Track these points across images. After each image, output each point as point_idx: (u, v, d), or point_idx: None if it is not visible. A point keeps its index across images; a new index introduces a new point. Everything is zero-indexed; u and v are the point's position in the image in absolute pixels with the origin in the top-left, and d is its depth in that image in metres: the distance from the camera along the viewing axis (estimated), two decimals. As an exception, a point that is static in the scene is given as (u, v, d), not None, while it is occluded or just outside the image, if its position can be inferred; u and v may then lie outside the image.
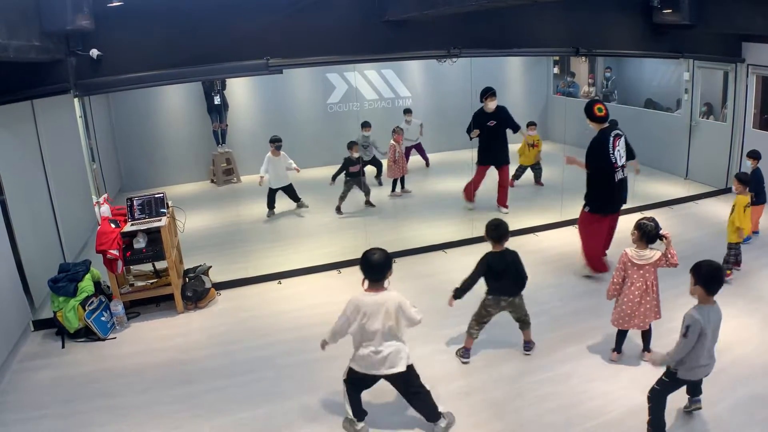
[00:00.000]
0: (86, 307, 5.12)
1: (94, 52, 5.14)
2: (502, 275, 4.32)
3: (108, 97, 9.76)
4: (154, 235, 5.59)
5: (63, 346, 5.08)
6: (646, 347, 4.47)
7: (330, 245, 7.14)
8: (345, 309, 3.58)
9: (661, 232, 4.19)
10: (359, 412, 3.75)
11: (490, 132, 7.84)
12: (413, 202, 8.95)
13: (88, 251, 6.86)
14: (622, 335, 4.45)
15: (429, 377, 4.23)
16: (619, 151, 5.68)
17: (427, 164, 10.73)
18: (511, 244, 4.49)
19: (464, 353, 4.55)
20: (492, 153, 7.97)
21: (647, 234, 4.15)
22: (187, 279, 5.81)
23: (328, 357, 4.69)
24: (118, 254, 5.23)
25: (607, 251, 6.11)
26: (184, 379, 4.52)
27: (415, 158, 10.50)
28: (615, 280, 4.30)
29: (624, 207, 6.14)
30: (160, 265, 5.83)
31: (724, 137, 8.74)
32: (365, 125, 9.01)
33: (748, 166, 6.78)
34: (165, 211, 5.74)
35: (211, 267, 6.07)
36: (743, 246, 5.93)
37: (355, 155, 8.14)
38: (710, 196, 8.67)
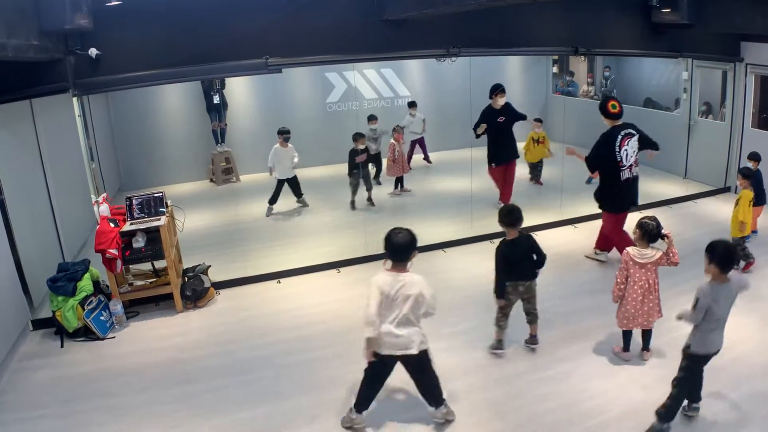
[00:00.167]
0: (85, 307, 5.11)
1: (93, 52, 5.13)
2: (519, 262, 4.35)
3: (107, 97, 9.74)
4: (153, 234, 5.58)
5: (62, 346, 5.08)
6: (646, 346, 4.48)
7: (329, 244, 7.14)
8: (370, 294, 3.44)
9: (662, 231, 4.20)
10: (364, 404, 3.70)
11: (500, 129, 7.91)
12: (413, 202, 8.95)
13: (87, 250, 6.84)
14: (628, 334, 4.46)
15: (429, 376, 4.25)
16: (626, 150, 5.71)
17: (428, 161, 10.74)
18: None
19: (497, 345, 4.59)
20: (503, 150, 8.05)
21: (649, 233, 4.16)
22: (186, 278, 5.81)
23: (328, 356, 4.72)
24: (117, 253, 5.23)
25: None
26: (183, 378, 4.51)
27: (416, 156, 10.54)
28: (618, 280, 4.30)
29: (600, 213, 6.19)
30: (159, 264, 5.83)
31: (722, 136, 8.74)
32: (371, 118, 9.13)
33: (749, 167, 6.78)
34: (164, 210, 5.74)
35: (210, 266, 6.07)
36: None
37: (361, 147, 8.22)
38: (709, 196, 8.68)
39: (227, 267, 6.42)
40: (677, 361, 3.98)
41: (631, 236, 4.48)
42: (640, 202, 7.97)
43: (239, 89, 10.53)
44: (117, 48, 5.27)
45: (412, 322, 3.47)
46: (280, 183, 8.40)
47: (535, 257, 4.42)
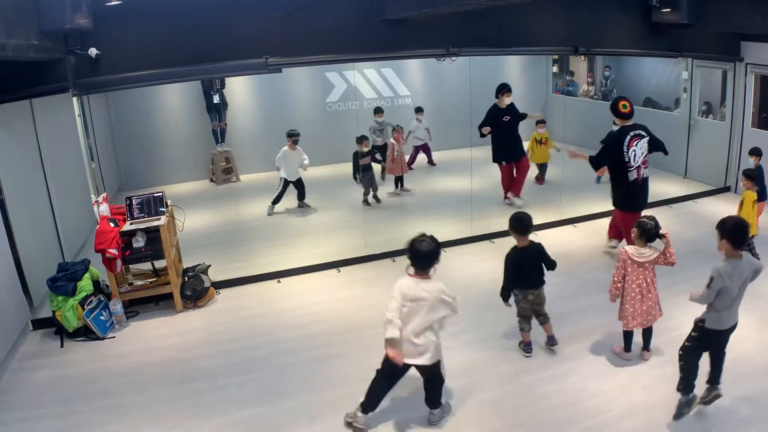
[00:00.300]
0: (85, 307, 5.11)
1: (93, 51, 5.12)
2: (529, 270, 4.38)
3: (107, 96, 9.74)
4: (153, 234, 5.58)
5: (62, 346, 5.08)
6: (646, 346, 4.48)
7: (329, 244, 7.14)
8: (394, 295, 3.52)
9: (660, 231, 4.20)
10: (371, 405, 3.71)
11: (505, 127, 8.01)
12: (412, 201, 8.95)
13: (87, 250, 6.84)
14: (629, 334, 4.46)
15: (428, 376, 4.25)
16: (634, 151, 5.74)
17: (432, 163, 10.78)
18: (511, 243, 4.50)
19: (526, 347, 4.60)
20: (509, 148, 8.14)
21: (647, 232, 4.17)
22: (186, 278, 5.81)
23: (328, 356, 4.72)
24: (117, 253, 5.23)
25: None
26: (183, 378, 4.52)
27: (419, 156, 10.58)
28: (616, 279, 4.30)
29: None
30: (159, 264, 5.83)
31: (722, 136, 8.74)
32: (378, 111, 9.24)
33: (750, 163, 6.78)
34: (164, 210, 5.74)
35: (210, 266, 6.07)
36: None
37: (365, 149, 8.31)
38: (709, 195, 8.68)
39: (227, 266, 6.42)
40: (677, 361, 3.98)
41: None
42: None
43: (239, 89, 10.53)
44: (117, 48, 5.27)
45: (431, 330, 3.53)
46: (285, 183, 8.43)
47: (544, 266, 4.46)
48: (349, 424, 3.74)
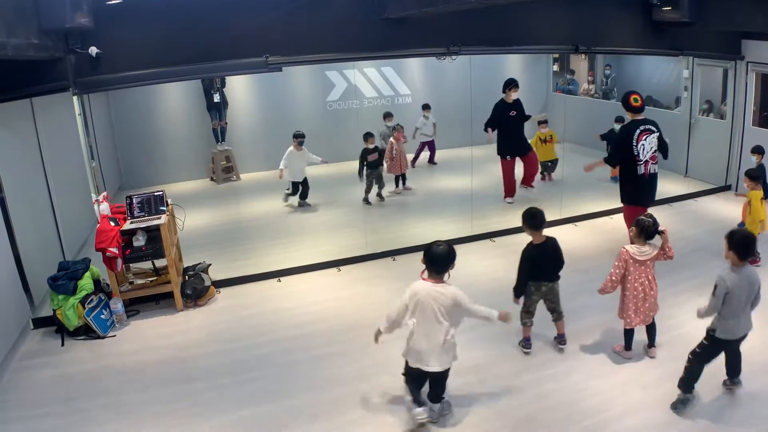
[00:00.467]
0: (86, 305, 5.12)
1: (93, 50, 5.12)
2: (545, 265, 4.41)
3: (107, 95, 9.74)
4: (153, 233, 5.59)
5: (63, 344, 5.08)
6: (652, 343, 4.49)
7: (330, 243, 7.14)
8: (404, 296, 3.59)
9: (659, 227, 4.21)
10: (416, 401, 3.80)
11: (512, 122, 8.10)
12: (413, 200, 8.94)
13: (87, 249, 6.86)
14: (630, 333, 4.46)
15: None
16: (643, 145, 5.79)
17: (433, 162, 10.80)
18: (510, 242, 4.50)
19: (525, 343, 4.62)
20: (515, 143, 8.21)
21: (645, 230, 4.18)
22: (186, 277, 5.81)
23: (328, 355, 4.72)
24: (117, 252, 5.23)
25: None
26: (183, 377, 4.52)
27: (422, 154, 10.59)
28: (614, 278, 4.28)
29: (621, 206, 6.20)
30: (160, 263, 5.84)
31: (723, 135, 8.73)
32: (387, 116, 9.30)
33: (752, 161, 6.77)
34: (164, 209, 5.74)
35: (210, 265, 6.07)
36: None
37: (371, 146, 8.36)
38: (710, 194, 8.67)
39: (228, 265, 6.43)
40: (678, 360, 3.99)
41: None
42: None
43: (239, 88, 10.53)
44: (117, 46, 5.27)
45: (444, 333, 3.54)
46: (294, 184, 8.48)
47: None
48: (422, 425, 3.75)
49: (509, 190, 8.42)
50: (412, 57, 9.46)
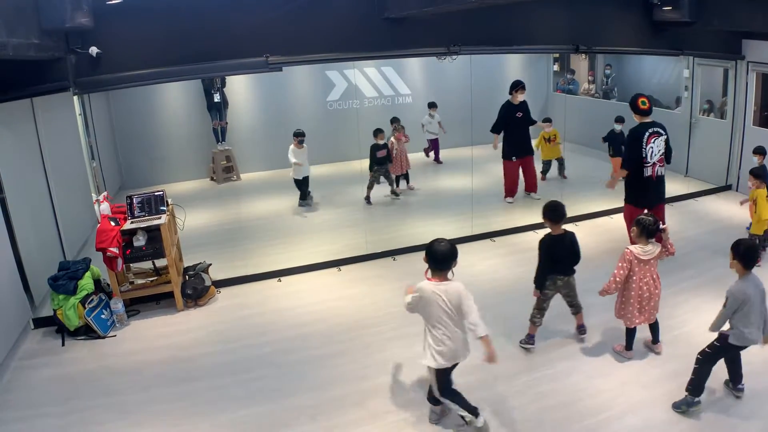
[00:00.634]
0: (86, 305, 5.12)
1: (94, 50, 5.13)
2: (562, 258, 4.44)
3: (107, 95, 9.74)
4: (154, 233, 5.59)
5: (63, 344, 5.08)
6: (656, 339, 4.51)
7: (330, 243, 7.14)
8: (407, 298, 3.59)
9: (659, 225, 4.23)
10: (472, 408, 3.68)
11: (518, 124, 8.15)
12: (413, 200, 8.94)
13: (88, 249, 6.86)
14: (632, 333, 4.46)
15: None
16: (652, 147, 5.81)
17: (438, 161, 10.82)
18: (511, 242, 4.50)
19: (529, 340, 4.64)
20: (520, 145, 8.24)
21: (647, 229, 4.18)
22: (187, 277, 5.81)
23: (328, 355, 4.73)
24: (117, 252, 5.24)
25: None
26: (184, 376, 4.52)
27: (421, 155, 10.60)
28: (618, 279, 4.27)
29: (622, 205, 6.18)
30: (160, 262, 5.83)
31: (724, 134, 8.72)
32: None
33: (754, 162, 6.77)
34: (165, 208, 5.74)
35: (211, 265, 6.07)
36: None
37: (381, 141, 8.41)
38: (710, 194, 8.67)
39: (228, 265, 6.43)
40: (678, 359, 3.99)
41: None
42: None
43: (240, 87, 10.53)
44: (117, 46, 5.27)
45: (461, 326, 3.54)
46: (297, 182, 8.48)
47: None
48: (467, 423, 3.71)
49: (510, 190, 8.42)
50: (412, 57, 9.44)
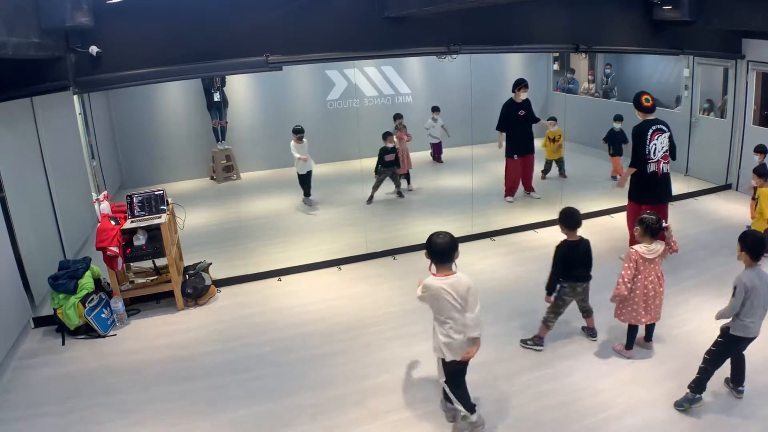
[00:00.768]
0: (86, 304, 5.12)
1: (94, 49, 5.12)
2: (578, 264, 4.46)
3: (107, 94, 9.74)
4: (154, 232, 5.59)
5: (63, 343, 5.09)
6: (649, 337, 4.53)
7: (330, 242, 7.14)
8: (419, 293, 3.56)
9: (662, 224, 4.23)
10: (470, 405, 3.67)
11: (521, 122, 8.17)
12: (413, 199, 8.94)
13: (88, 248, 6.86)
14: (634, 332, 4.47)
15: (430, 373, 4.25)
16: (655, 144, 5.84)
17: (439, 160, 10.84)
18: (511, 241, 4.50)
19: (538, 341, 4.64)
20: (522, 143, 8.27)
21: (650, 227, 4.20)
22: (187, 276, 5.82)
23: (329, 354, 4.73)
24: (118, 251, 5.24)
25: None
26: (184, 375, 4.52)
27: (421, 154, 10.60)
28: (626, 280, 4.26)
29: (623, 204, 6.20)
30: (160, 262, 5.83)
31: (724, 134, 8.73)
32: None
33: (755, 160, 6.77)
34: (165, 208, 5.74)
35: (211, 264, 6.07)
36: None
37: (390, 145, 8.43)
38: (710, 193, 8.67)
39: (228, 265, 6.43)
40: (678, 359, 3.99)
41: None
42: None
43: (240, 87, 10.53)
44: (117, 46, 5.26)
45: (459, 326, 3.48)
46: (300, 177, 8.48)
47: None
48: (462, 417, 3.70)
49: (510, 189, 8.42)
50: (412, 56, 9.45)
